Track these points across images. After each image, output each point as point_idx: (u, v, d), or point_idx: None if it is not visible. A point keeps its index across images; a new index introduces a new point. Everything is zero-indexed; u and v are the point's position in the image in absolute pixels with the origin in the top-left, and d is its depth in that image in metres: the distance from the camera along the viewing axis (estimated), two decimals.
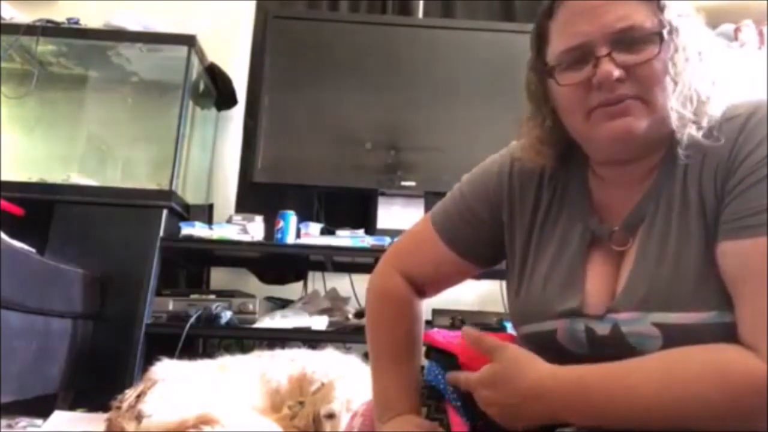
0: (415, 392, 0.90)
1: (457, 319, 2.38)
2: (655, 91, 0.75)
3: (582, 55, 0.77)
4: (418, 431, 0.85)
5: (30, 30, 2.56)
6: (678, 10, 0.77)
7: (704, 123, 0.76)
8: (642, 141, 0.77)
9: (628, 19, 0.75)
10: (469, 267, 0.97)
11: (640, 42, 0.75)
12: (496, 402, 0.76)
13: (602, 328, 0.78)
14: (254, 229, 2.48)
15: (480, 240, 0.95)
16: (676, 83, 0.75)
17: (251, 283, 2.83)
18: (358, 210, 2.84)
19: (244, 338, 2.60)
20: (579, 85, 0.77)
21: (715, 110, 0.76)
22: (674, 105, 0.75)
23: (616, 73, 0.74)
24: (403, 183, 2.63)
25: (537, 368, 0.75)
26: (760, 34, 2.79)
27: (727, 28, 2.81)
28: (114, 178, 2.76)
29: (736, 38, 2.80)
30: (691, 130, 0.75)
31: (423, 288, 0.99)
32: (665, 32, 0.75)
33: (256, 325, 2.32)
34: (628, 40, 0.75)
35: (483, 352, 0.79)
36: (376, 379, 0.94)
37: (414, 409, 0.89)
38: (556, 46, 0.80)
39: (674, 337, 0.71)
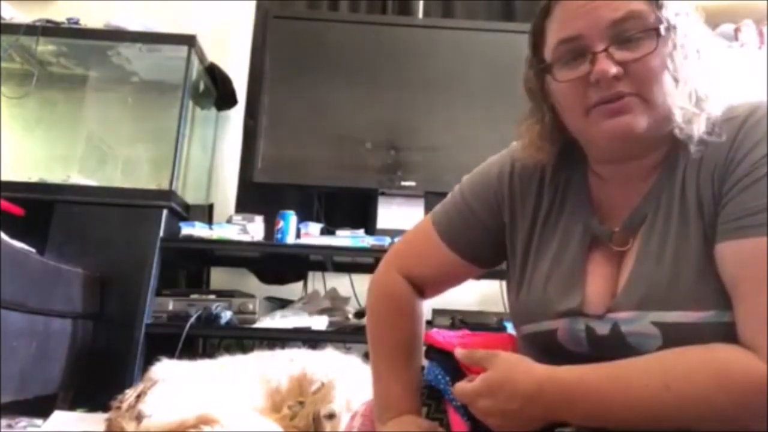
0: (415, 392, 0.90)
1: (457, 319, 2.38)
2: (654, 89, 0.74)
3: (578, 50, 0.77)
4: (418, 431, 0.85)
5: (30, 30, 2.56)
6: (676, 9, 0.77)
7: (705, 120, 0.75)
8: (641, 139, 0.77)
9: (625, 8, 0.74)
10: (470, 268, 0.97)
11: (636, 37, 0.74)
12: (495, 410, 0.75)
13: (602, 328, 0.78)
14: (254, 229, 2.48)
15: (481, 242, 0.95)
16: (677, 80, 0.74)
17: (251, 283, 2.83)
18: (358, 210, 2.85)
19: (244, 338, 2.60)
20: (577, 82, 0.77)
21: (714, 108, 0.76)
22: (678, 102, 0.74)
23: (613, 70, 0.73)
24: (403, 183, 2.63)
25: (533, 371, 0.74)
26: (760, 34, 2.79)
27: (727, 28, 2.81)
28: (114, 178, 2.76)
29: (736, 38, 2.80)
30: (700, 126, 0.74)
31: (424, 288, 0.99)
32: (662, 28, 0.74)
33: (256, 325, 2.32)
34: (624, 34, 0.74)
35: (476, 365, 0.80)
36: (376, 380, 0.94)
37: (414, 409, 0.89)
38: (551, 41, 0.80)
39: (673, 336, 0.71)
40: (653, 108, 0.75)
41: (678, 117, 0.74)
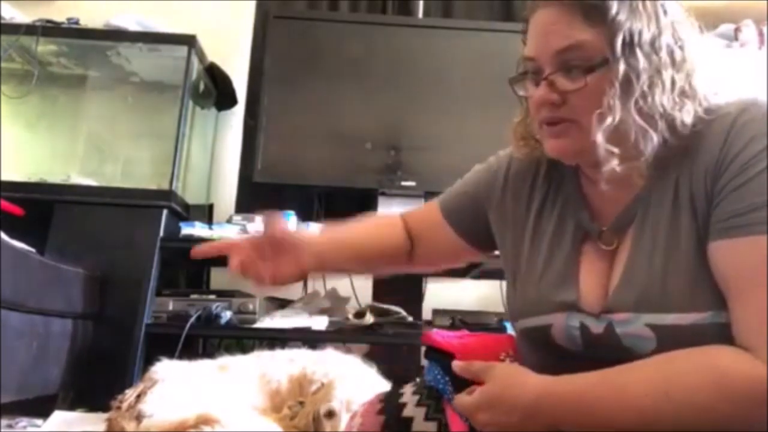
0: (332, 243, 1.03)
1: (457, 319, 2.38)
2: (590, 119, 0.75)
3: (536, 69, 0.81)
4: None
5: (30, 30, 2.55)
6: (637, 34, 0.74)
7: (673, 138, 0.76)
8: (587, 156, 0.78)
9: (570, 39, 0.76)
10: (459, 242, 1.02)
11: (578, 69, 0.76)
12: (495, 423, 0.76)
13: (597, 327, 0.78)
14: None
15: (467, 216, 1.01)
16: (606, 115, 0.74)
17: (251, 283, 2.82)
18: (358, 210, 2.83)
19: (244, 338, 2.59)
20: (530, 98, 0.82)
21: (685, 121, 0.75)
22: (599, 140, 0.75)
23: (552, 97, 0.77)
24: (403, 183, 2.62)
25: (531, 383, 0.75)
26: (760, 34, 2.79)
27: (727, 28, 2.81)
28: (114, 178, 2.76)
29: (736, 38, 2.79)
30: (614, 164, 0.75)
31: (414, 244, 1.06)
32: (601, 62, 0.75)
33: (256, 325, 2.32)
34: (568, 63, 0.77)
35: (474, 377, 0.80)
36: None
37: (319, 252, 0.99)
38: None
39: (668, 338, 0.71)
40: (590, 134, 0.76)
41: (600, 153, 0.75)
